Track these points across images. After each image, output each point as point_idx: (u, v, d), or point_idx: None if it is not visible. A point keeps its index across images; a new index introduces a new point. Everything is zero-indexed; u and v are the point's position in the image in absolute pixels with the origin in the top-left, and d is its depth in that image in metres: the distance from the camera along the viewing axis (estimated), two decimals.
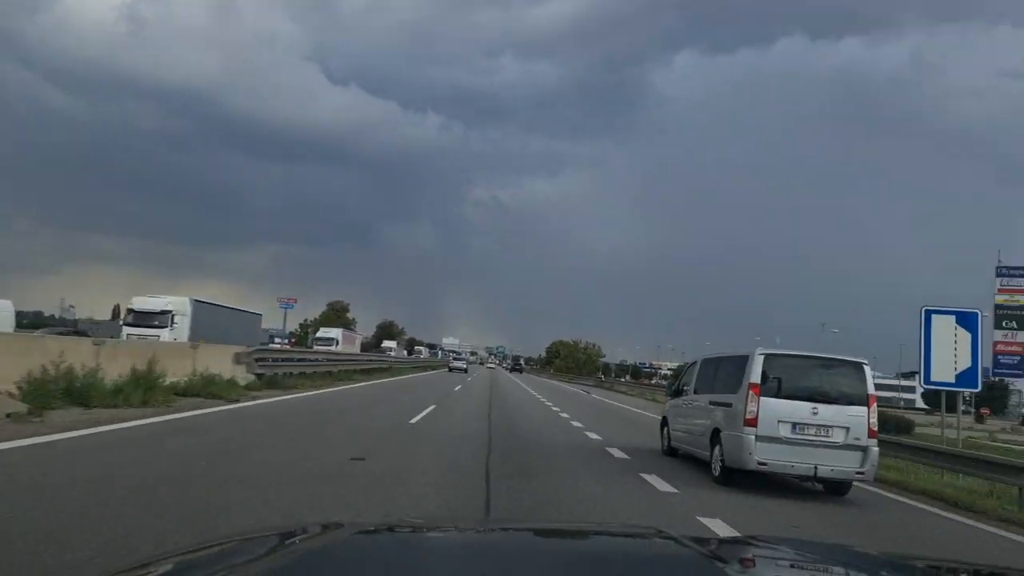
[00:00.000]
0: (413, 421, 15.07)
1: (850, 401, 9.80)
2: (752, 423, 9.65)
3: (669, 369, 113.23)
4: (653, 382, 75.50)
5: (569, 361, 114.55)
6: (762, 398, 9.71)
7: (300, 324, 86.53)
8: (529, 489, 8.21)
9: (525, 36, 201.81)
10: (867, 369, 10.01)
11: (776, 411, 9.66)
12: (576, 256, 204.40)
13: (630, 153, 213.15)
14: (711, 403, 11.06)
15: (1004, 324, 28.94)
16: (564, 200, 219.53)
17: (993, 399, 47.42)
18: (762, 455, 9.54)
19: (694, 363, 12.96)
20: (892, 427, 30.66)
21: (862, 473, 9.64)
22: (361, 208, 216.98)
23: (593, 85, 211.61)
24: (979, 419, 57.07)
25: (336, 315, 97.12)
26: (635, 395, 48.33)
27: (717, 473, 10.27)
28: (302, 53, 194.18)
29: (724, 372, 11.14)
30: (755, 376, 9.80)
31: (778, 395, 9.78)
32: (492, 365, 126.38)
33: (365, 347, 78.99)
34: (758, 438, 9.60)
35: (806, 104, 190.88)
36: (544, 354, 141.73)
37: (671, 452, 12.95)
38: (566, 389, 47.28)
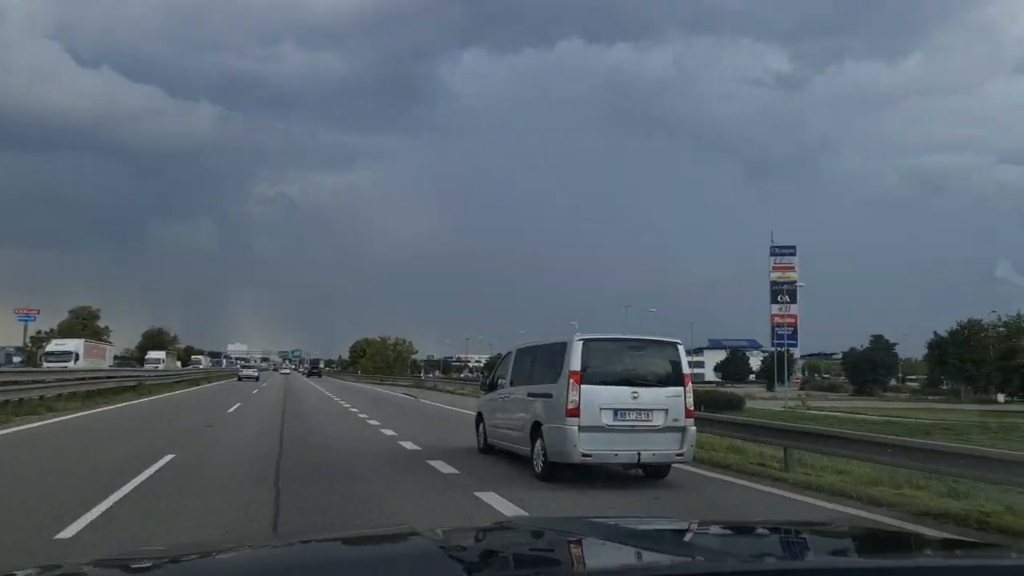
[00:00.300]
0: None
1: (667, 382, 9.65)
2: (575, 413, 9.17)
3: (477, 362, 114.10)
4: (463, 376, 76.18)
5: (377, 360, 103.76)
6: (583, 386, 9.24)
7: (32, 337, 70.45)
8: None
9: (307, 24, 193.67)
10: (681, 349, 9.92)
11: (598, 398, 9.26)
12: (377, 252, 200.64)
13: (424, 147, 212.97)
14: (529, 395, 10.48)
15: (779, 299, 32.24)
16: (359, 195, 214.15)
17: (780, 369, 52.66)
18: (586, 446, 9.09)
19: (508, 354, 12.37)
20: (724, 404, 32.26)
21: (681, 454, 9.52)
22: (123, 204, 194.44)
23: (382, 78, 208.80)
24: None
25: (82, 324, 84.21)
26: (469, 394, 45.17)
27: (540, 469, 9.71)
28: (42, 29, 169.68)
29: (541, 362, 10.62)
30: (575, 363, 9.33)
31: (598, 382, 9.37)
32: (287, 371, 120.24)
33: (126, 360, 71.92)
34: (581, 428, 9.13)
35: (586, 104, 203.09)
36: (347, 355, 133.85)
37: (487, 449, 12.27)
38: (374, 392, 43.57)
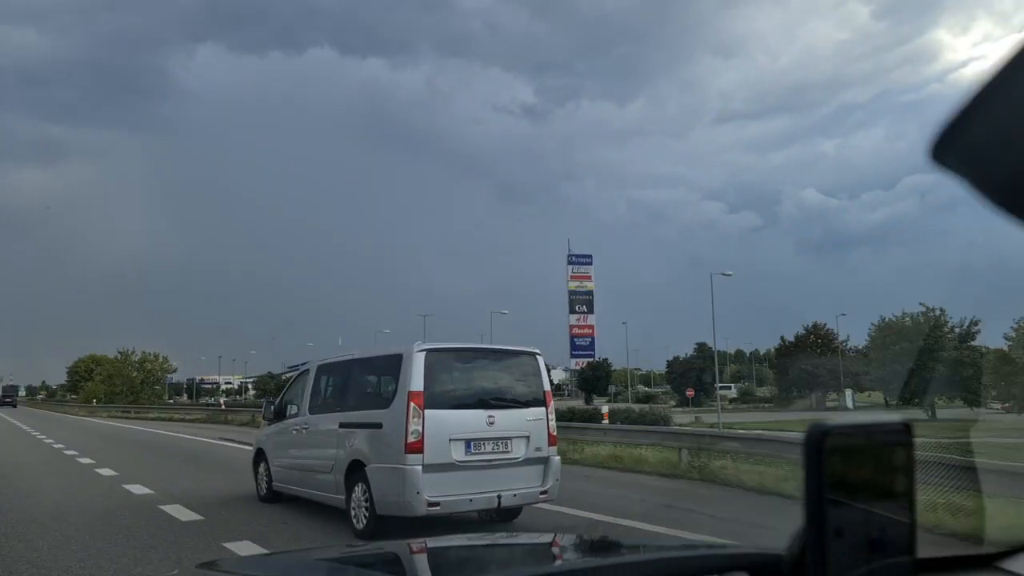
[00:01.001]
0: None
1: (527, 402, 7.71)
2: (417, 448, 6.91)
3: (228, 383, 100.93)
4: (212, 400, 66.78)
5: (116, 382, 71.37)
6: (428, 411, 6.99)
7: None
8: None
9: None
10: (541, 360, 8.04)
11: (446, 427, 7.07)
12: (96, 262, 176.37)
13: (151, 146, 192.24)
14: (343, 425, 7.98)
15: (576, 308, 31.69)
16: (69, 195, 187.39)
17: (597, 379, 49.53)
18: (433, 491, 6.88)
19: (303, 372, 9.69)
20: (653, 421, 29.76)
21: (546, 491, 7.61)
22: None
23: (98, 64, 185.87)
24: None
25: None
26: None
27: (362, 525, 7.28)
28: None
29: (361, 381, 8.22)
30: (416, 382, 7.08)
31: (447, 405, 7.19)
32: None
33: None
34: (426, 468, 6.86)
35: (337, 115, 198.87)
36: (65, 379, 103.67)
37: (273, 497, 9.47)
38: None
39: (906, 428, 1.01)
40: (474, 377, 7.68)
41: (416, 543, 2.29)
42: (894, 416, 1.09)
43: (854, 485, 0.95)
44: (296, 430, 9.10)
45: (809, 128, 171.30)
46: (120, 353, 73.46)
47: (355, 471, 7.50)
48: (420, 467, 6.87)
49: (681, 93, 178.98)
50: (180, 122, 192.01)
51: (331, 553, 2.54)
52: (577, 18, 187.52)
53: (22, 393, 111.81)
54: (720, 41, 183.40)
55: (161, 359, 74.47)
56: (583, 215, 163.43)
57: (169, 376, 79.36)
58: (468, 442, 7.19)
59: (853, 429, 0.98)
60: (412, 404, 6.99)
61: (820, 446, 0.93)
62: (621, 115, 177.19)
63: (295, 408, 9.36)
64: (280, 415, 9.70)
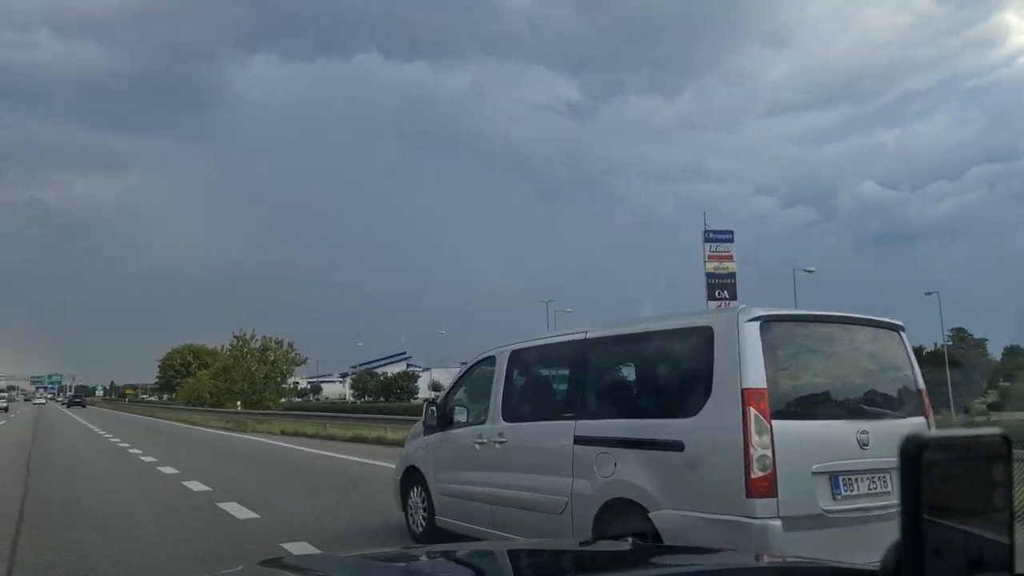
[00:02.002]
0: None
1: (901, 407, 4.71)
2: (766, 488, 3.95)
3: (309, 382, 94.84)
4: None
5: (234, 378, 49.42)
6: (776, 422, 4.05)
7: None
8: None
9: (63, 11, 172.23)
10: (906, 339, 5.00)
11: (805, 450, 4.11)
12: (156, 265, 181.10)
13: (206, 153, 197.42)
14: (584, 441, 5.09)
15: (717, 294, 28.80)
16: (133, 201, 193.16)
17: None
18: None
19: (481, 362, 6.82)
20: None
21: None
22: None
23: (158, 76, 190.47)
24: None
25: None
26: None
27: None
28: None
29: (615, 372, 5.31)
30: (754, 373, 4.14)
31: (800, 413, 4.25)
32: (41, 400, 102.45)
33: None
34: (787, 523, 3.94)
35: (383, 118, 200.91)
36: (158, 377, 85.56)
37: (433, 535, 6.67)
38: None
39: (1005, 441, 0.97)
40: (831, 366, 4.71)
41: (487, 545, 2.54)
42: (993, 428, 1.03)
43: (952, 500, 0.94)
44: (479, 444, 6.25)
45: (866, 118, 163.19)
46: (236, 338, 49.97)
47: (621, 516, 4.60)
48: (778, 523, 3.93)
49: (729, 85, 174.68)
50: (235, 129, 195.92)
51: (393, 552, 2.66)
52: (620, 12, 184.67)
53: (99, 393, 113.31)
54: (769, 30, 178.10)
55: (286, 346, 50.50)
56: (629, 212, 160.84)
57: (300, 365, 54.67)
58: (835, 477, 4.23)
59: (951, 441, 0.96)
60: (752, 411, 4.06)
61: (917, 459, 0.92)
62: (667, 110, 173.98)
63: (476, 413, 6.53)
64: (447, 421, 6.86)
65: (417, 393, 78.85)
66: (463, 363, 8.72)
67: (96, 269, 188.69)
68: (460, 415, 6.76)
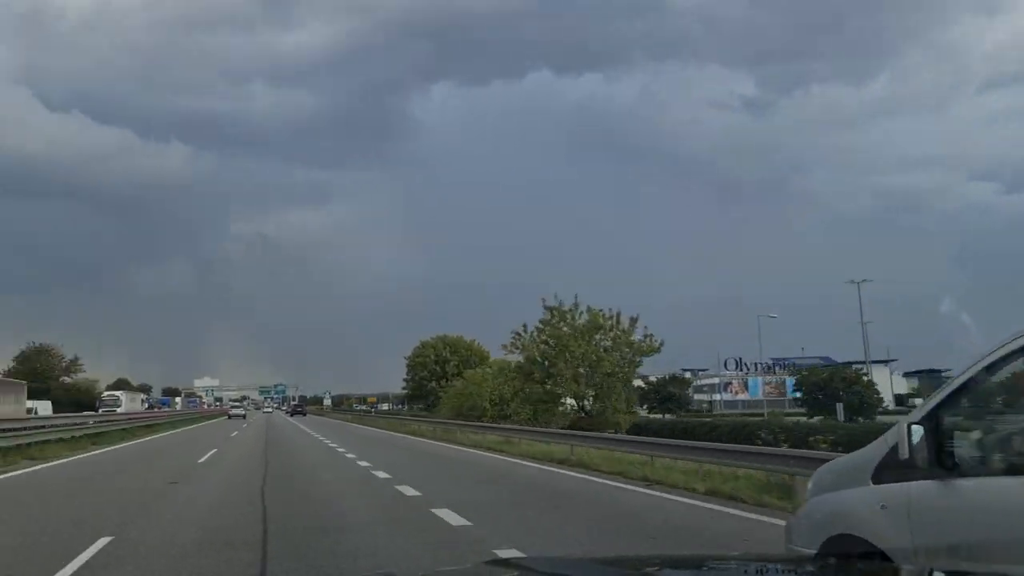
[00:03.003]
0: None
1: None
2: None
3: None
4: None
5: (560, 370, 31.81)
6: None
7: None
8: None
9: (276, 63, 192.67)
10: None
11: None
12: (355, 287, 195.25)
13: (396, 181, 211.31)
14: None
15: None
16: (335, 231, 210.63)
17: None
18: None
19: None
20: None
21: None
22: (99, 249, 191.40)
23: (353, 114, 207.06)
24: None
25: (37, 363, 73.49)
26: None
27: None
28: (9, 76, 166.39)
29: None
30: None
31: None
32: (269, 409, 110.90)
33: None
34: None
35: (556, 133, 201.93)
36: (405, 380, 66.99)
37: None
38: None
39: None
40: None
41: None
42: None
43: None
44: None
45: None
46: (550, 311, 33.04)
47: None
48: None
49: (934, 62, 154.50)
50: (420, 157, 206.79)
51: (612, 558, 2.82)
52: None
53: (327, 403, 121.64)
54: None
55: (627, 324, 32.81)
56: (817, 209, 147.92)
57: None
58: None
59: None
60: None
61: None
62: (859, 96, 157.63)
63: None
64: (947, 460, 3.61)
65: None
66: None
67: (310, 291, 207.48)
68: (978, 449, 3.54)
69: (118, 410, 55.26)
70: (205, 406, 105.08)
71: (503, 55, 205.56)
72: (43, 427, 24.34)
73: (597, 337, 32.38)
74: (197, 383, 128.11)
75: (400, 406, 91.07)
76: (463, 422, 30.17)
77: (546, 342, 32.80)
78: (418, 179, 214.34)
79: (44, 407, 46.19)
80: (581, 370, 31.98)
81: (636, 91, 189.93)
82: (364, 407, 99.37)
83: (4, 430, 20.99)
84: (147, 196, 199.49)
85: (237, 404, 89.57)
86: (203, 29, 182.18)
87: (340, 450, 22.19)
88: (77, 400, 66.05)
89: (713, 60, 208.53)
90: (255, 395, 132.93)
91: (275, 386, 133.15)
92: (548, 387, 32.24)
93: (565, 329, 32.40)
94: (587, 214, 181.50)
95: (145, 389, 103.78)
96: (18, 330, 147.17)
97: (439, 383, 52.68)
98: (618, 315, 32.58)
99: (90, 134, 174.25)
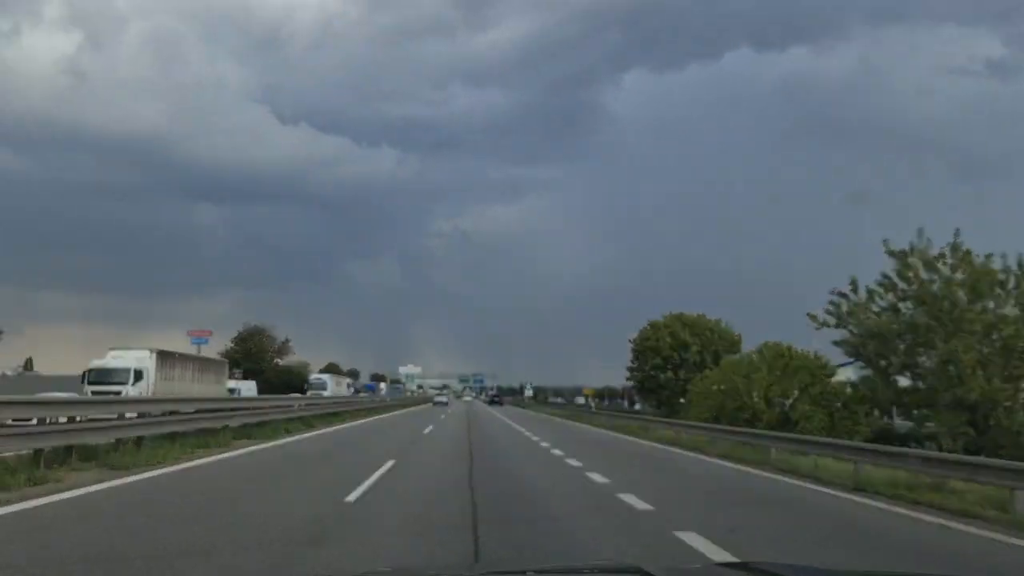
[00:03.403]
0: None
1: None
2: None
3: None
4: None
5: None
6: None
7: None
8: None
9: (472, 65, 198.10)
10: None
11: None
12: (549, 280, 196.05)
13: (588, 174, 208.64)
14: None
15: None
16: (527, 226, 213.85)
17: None
18: None
19: None
20: None
21: None
22: (319, 246, 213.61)
23: (545, 109, 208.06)
24: None
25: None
26: None
27: None
28: (251, 95, 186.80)
29: None
30: None
31: None
32: (468, 398, 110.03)
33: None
34: None
35: (757, 115, 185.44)
36: (630, 368, 51.27)
37: None
38: None
39: None
40: None
41: None
42: None
43: None
44: None
45: None
46: (903, 256, 21.28)
47: None
48: None
49: None
50: (611, 148, 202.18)
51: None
52: None
53: (527, 393, 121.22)
54: None
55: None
56: None
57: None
58: None
59: None
60: None
61: None
62: None
63: None
64: None
65: None
66: None
67: (507, 283, 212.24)
68: None
69: (324, 393, 54.28)
70: (408, 393, 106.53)
71: (698, 35, 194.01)
72: (242, 409, 20.73)
73: (990, 303, 20.12)
74: (401, 370, 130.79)
75: (620, 401, 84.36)
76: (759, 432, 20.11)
77: (896, 307, 21.41)
78: (611, 168, 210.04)
79: (248, 387, 44.42)
80: (986, 350, 19.39)
81: (851, 63, 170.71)
82: (583, 400, 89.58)
83: (210, 411, 19.29)
84: (360, 197, 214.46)
85: (440, 393, 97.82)
86: (410, 39, 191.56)
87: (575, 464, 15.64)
88: (288, 381, 68.36)
89: (949, 19, 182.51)
90: (454, 384, 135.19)
91: (473, 375, 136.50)
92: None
93: (957, 284, 20.14)
94: (792, 198, 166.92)
95: (353, 374, 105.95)
96: (248, 319, 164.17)
97: (676, 373, 43.14)
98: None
99: (314, 143, 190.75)
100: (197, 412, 18.43)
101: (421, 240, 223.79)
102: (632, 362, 48.31)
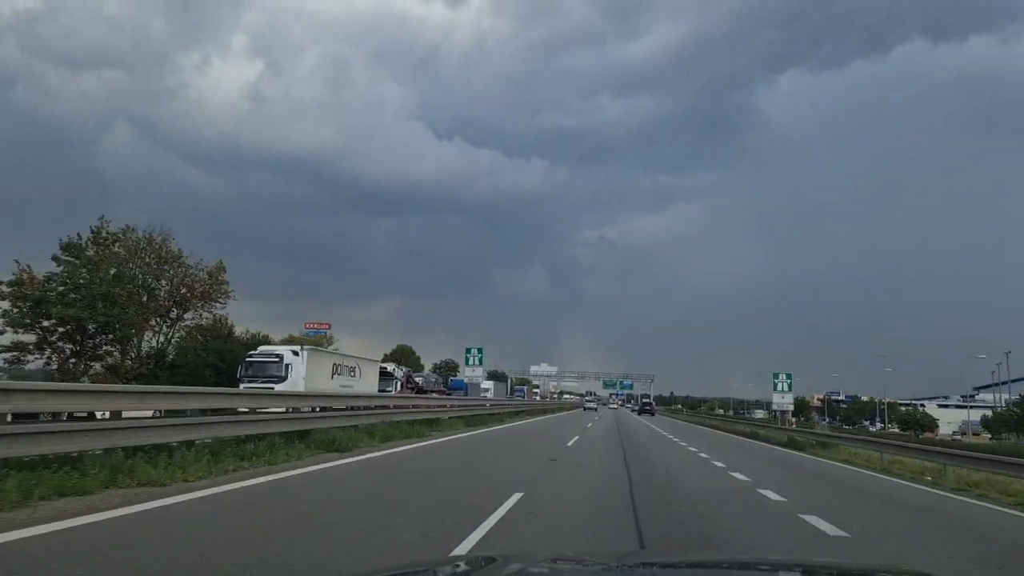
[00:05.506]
0: None
1: None
2: None
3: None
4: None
5: None
6: None
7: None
8: None
9: (621, 74, 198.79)
10: None
11: None
12: (696, 287, 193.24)
13: (739, 180, 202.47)
14: None
15: None
16: (673, 232, 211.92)
17: None
18: None
19: None
20: None
21: None
22: (474, 255, 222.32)
23: (695, 114, 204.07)
24: None
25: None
26: None
27: None
28: (409, 113, 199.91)
29: None
30: None
31: None
32: (615, 405, 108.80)
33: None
34: None
35: (929, 112, 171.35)
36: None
37: None
38: None
39: None
40: None
41: None
42: None
43: None
44: None
45: None
46: None
47: None
48: None
49: None
50: (765, 152, 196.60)
51: None
52: None
53: (678, 405, 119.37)
54: None
55: None
56: None
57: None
58: None
59: None
60: None
61: None
62: None
63: None
64: None
65: None
66: None
67: (654, 290, 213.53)
68: None
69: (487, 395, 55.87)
70: (554, 397, 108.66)
71: (865, 31, 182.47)
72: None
73: None
74: (533, 369, 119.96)
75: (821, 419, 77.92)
76: None
77: None
78: (764, 173, 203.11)
79: (488, 386, 48.64)
80: None
81: None
82: (766, 414, 78.06)
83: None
84: (510, 207, 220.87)
85: (590, 400, 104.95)
86: (561, 51, 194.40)
87: None
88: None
89: None
90: (599, 389, 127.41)
91: (620, 380, 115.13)
92: None
93: None
94: (983, 206, 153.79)
95: (500, 377, 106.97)
96: (407, 324, 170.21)
97: None
98: None
99: (468, 157, 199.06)
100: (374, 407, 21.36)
101: (567, 249, 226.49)
102: None
